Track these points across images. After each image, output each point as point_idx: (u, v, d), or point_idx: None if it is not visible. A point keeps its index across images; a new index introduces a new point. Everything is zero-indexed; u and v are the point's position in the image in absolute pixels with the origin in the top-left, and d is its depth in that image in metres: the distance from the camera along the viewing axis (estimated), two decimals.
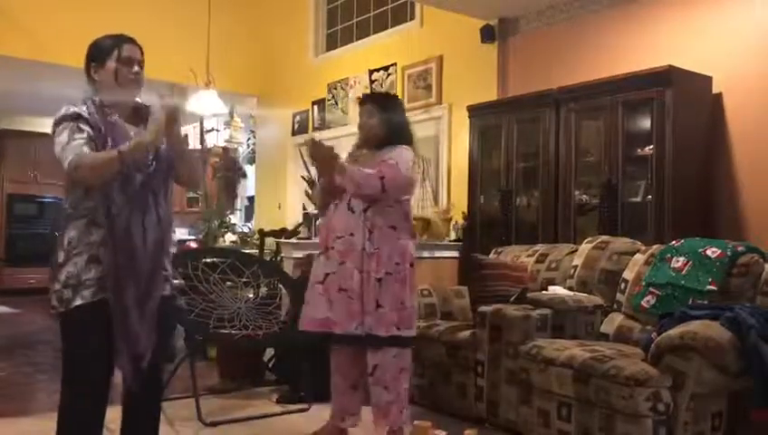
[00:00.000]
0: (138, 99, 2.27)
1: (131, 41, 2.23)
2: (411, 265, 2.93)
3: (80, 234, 2.11)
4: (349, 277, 2.84)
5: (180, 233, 8.75)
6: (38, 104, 8.98)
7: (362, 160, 2.99)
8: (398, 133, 3.00)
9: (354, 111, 6.72)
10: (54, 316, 2.17)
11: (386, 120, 2.99)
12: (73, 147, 2.04)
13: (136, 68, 2.21)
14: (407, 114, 3.18)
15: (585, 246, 3.71)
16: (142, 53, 2.25)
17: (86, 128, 2.08)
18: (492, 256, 4.17)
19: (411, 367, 3.09)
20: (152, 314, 2.18)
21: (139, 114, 2.25)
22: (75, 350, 2.17)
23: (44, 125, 10.02)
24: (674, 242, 3.32)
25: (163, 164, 2.22)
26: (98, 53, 2.20)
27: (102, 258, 2.09)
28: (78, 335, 2.14)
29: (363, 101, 3.14)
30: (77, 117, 2.10)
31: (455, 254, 5.01)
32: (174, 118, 2.12)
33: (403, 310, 2.87)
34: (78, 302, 2.09)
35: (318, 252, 3.03)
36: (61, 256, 2.13)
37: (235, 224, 8.44)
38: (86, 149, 2.04)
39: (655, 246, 3.43)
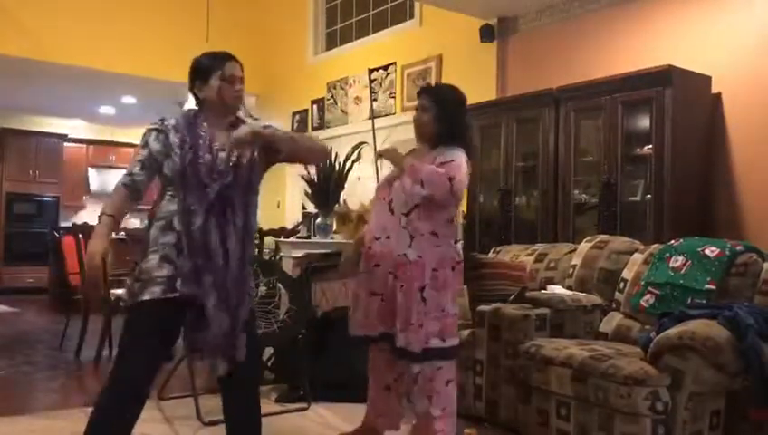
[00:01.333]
0: (239, 114, 2.38)
1: (233, 58, 2.33)
2: (453, 268, 2.71)
3: (157, 234, 2.21)
4: (382, 282, 2.67)
5: None
6: (38, 103, 9.01)
7: (415, 157, 2.80)
8: (451, 131, 2.74)
9: (353, 111, 6.74)
10: (123, 310, 2.26)
11: (439, 116, 2.74)
12: (133, 159, 2.27)
13: (239, 86, 2.32)
14: (466, 110, 2.88)
15: (584, 246, 3.71)
16: (242, 70, 2.35)
17: (153, 144, 2.23)
18: (491, 255, 4.17)
19: (456, 377, 2.83)
20: (244, 323, 2.25)
21: (235, 127, 2.31)
22: (130, 343, 2.22)
23: (44, 124, 10.04)
24: (673, 241, 3.32)
25: (242, 176, 2.26)
26: (202, 71, 2.31)
27: (174, 259, 2.17)
28: (138, 329, 2.21)
29: (419, 93, 2.91)
30: (153, 130, 2.26)
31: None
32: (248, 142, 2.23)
33: (445, 317, 2.66)
34: (146, 296, 2.16)
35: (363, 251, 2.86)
36: (142, 254, 2.23)
37: None
38: (136, 168, 2.23)
39: (654, 246, 3.43)
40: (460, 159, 2.68)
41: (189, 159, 2.19)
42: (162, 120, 2.29)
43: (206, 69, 2.31)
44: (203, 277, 2.16)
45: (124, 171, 2.26)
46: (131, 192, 2.24)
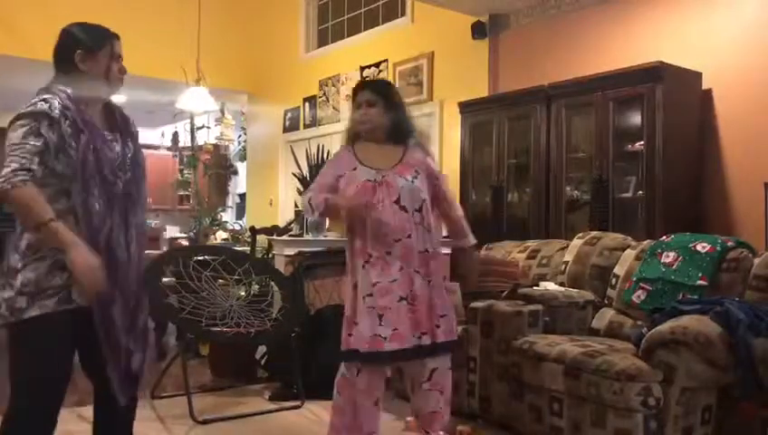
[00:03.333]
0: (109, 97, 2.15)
1: (119, 37, 2.13)
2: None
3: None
4: (410, 283, 2.55)
5: (172, 231, 8.72)
6: (24, 101, 8.93)
7: (387, 158, 2.66)
8: (404, 124, 2.72)
9: (345, 109, 6.72)
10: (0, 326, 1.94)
11: (388, 108, 2.68)
12: (24, 151, 1.85)
13: (123, 67, 2.11)
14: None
15: (576, 242, 3.72)
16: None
17: (48, 134, 1.88)
18: (483, 252, 4.18)
19: None
20: (144, 329, 2.11)
21: (109, 113, 2.12)
22: (27, 363, 1.95)
23: None
24: (664, 237, 3.33)
25: (139, 170, 2.10)
26: (88, 44, 2.03)
27: (69, 266, 1.86)
28: (31, 348, 1.93)
29: (357, 90, 2.77)
30: (44, 116, 1.90)
31: (446, 250, 5.00)
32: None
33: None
34: (34, 312, 1.88)
35: (361, 261, 2.59)
36: (15, 261, 1.92)
37: (226, 221, 8.43)
38: (35, 163, 1.85)
39: (645, 242, 3.44)
40: (435, 160, 2.79)
41: (91, 154, 1.92)
42: (46, 102, 1.91)
43: (93, 42, 2.03)
44: (111, 286, 1.92)
45: (13, 167, 1.83)
46: (39, 187, 1.86)
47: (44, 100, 1.93)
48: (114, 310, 1.98)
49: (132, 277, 2.05)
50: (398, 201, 2.58)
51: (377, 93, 2.70)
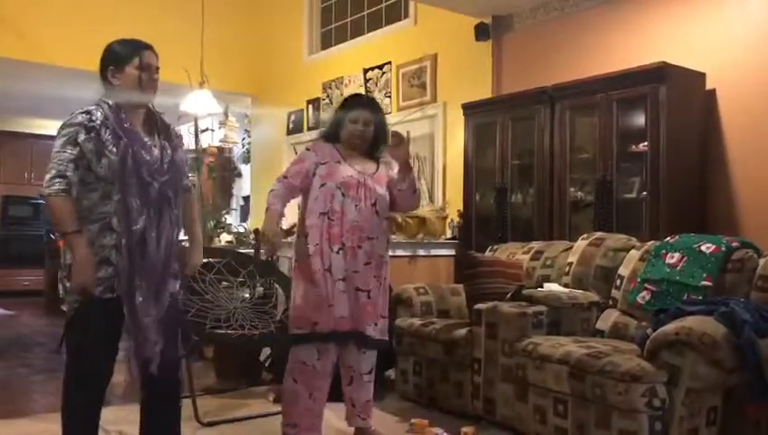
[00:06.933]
0: (150, 105, 2.34)
1: (150, 47, 2.31)
2: None
3: (93, 237, 2.17)
4: (370, 278, 2.85)
5: None
6: (33, 105, 8.98)
7: (365, 167, 2.92)
8: (383, 142, 2.97)
9: None
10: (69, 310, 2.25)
11: (377, 127, 2.95)
12: (61, 159, 2.12)
13: (155, 75, 2.29)
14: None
15: (580, 243, 3.71)
16: (158, 59, 2.33)
17: (84, 143, 2.12)
18: (487, 253, 4.18)
19: None
20: (161, 313, 2.25)
21: (151, 120, 2.31)
22: (78, 343, 2.23)
23: (40, 126, 9.99)
24: (669, 238, 3.33)
25: (176, 171, 2.29)
26: (117, 58, 2.26)
27: (114, 261, 2.16)
28: (82, 329, 2.21)
29: (355, 105, 2.96)
30: (81, 127, 2.14)
31: (451, 252, 5.01)
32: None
33: None
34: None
35: (336, 247, 2.79)
36: (69, 258, 2.19)
37: (230, 224, 8.43)
38: (70, 169, 2.11)
39: (650, 243, 3.44)
40: None
41: (129, 157, 2.15)
42: (88, 113, 2.17)
43: (122, 57, 2.25)
44: (137, 276, 2.17)
45: (52, 173, 2.12)
46: (70, 195, 2.14)
47: (86, 111, 2.16)
48: (138, 297, 2.17)
49: (158, 268, 2.22)
50: (374, 205, 2.83)
51: (374, 115, 2.93)
